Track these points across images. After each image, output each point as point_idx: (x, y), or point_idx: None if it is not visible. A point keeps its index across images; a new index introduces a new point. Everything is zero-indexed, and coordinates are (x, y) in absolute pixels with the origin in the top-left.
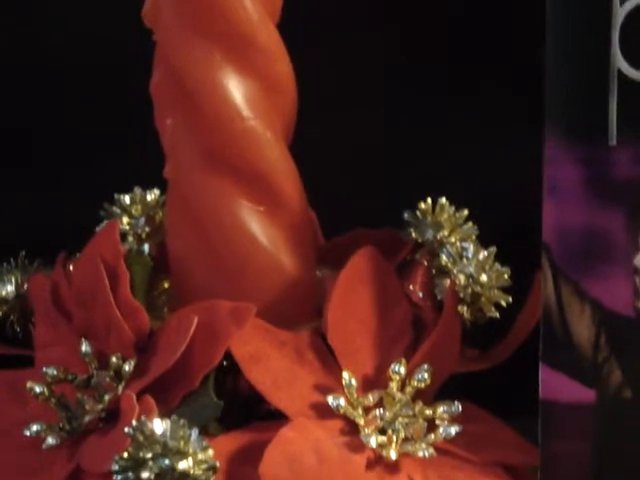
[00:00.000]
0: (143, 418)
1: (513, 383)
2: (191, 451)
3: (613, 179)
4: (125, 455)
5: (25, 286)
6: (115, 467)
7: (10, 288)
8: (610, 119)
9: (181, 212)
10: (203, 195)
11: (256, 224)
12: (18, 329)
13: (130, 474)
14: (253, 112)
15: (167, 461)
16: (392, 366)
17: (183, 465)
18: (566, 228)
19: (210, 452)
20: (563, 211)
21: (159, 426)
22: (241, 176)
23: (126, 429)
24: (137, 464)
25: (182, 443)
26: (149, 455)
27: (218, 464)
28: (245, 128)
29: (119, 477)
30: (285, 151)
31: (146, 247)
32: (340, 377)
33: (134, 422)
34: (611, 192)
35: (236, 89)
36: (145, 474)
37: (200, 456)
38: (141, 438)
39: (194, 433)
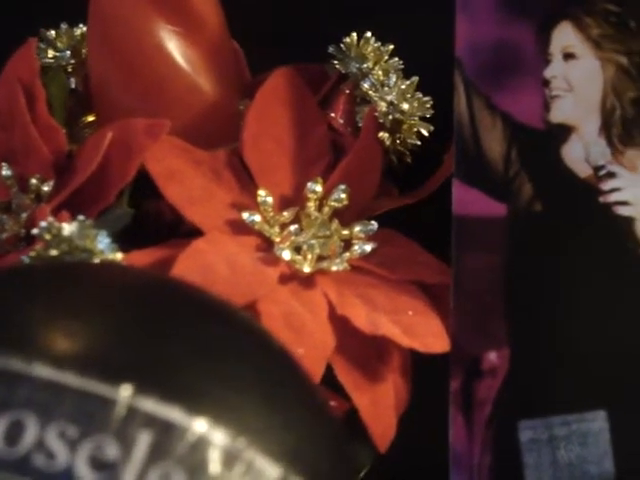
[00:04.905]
0: (51, 219)
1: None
2: (98, 250)
3: None
4: (33, 254)
5: None
6: None
7: None
8: None
9: (101, 34)
10: (121, 15)
11: (174, 45)
12: None
13: None
14: None
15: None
16: (309, 185)
17: None
18: (477, 42)
19: (119, 255)
20: (475, 25)
21: (66, 226)
22: None
23: (34, 230)
24: None
25: (88, 241)
26: (55, 253)
27: None
28: None
29: None
30: None
31: (72, 81)
32: (257, 196)
33: (42, 223)
34: (521, 5)
35: None
36: None
37: (108, 256)
38: (48, 237)
39: (102, 234)
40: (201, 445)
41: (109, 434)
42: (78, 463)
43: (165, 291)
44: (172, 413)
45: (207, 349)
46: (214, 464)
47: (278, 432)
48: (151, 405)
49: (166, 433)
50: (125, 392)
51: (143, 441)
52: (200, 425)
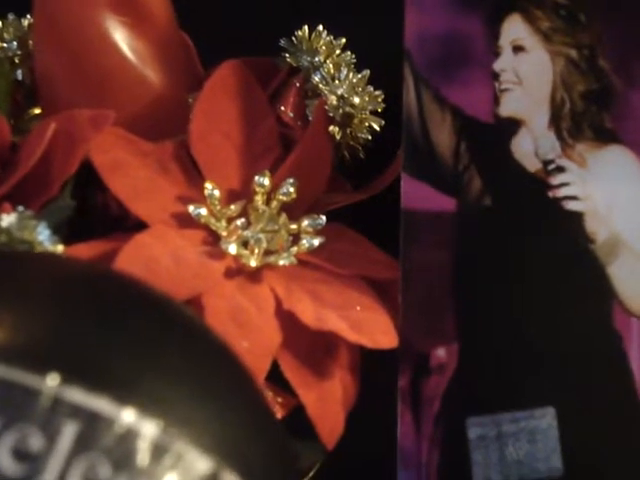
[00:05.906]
0: None
1: None
2: (38, 241)
3: None
4: None
5: None
6: None
7: None
8: None
9: (46, 24)
10: (67, 4)
11: (120, 35)
12: None
13: None
14: None
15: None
16: (256, 178)
17: None
18: (426, 34)
19: (60, 246)
20: (424, 17)
21: (5, 217)
22: None
23: None
24: None
25: (27, 233)
26: None
27: None
28: None
29: None
30: None
31: (19, 73)
32: (204, 189)
33: None
34: None
35: None
36: None
37: (49, 248)
38: None
39: (42, 225)
40: (129, 436)
41: (33, 424)
42: (0, 454)
43: (98, 281)
44: (99, 403)
45: (138, 339)
46: (142, 456)
47: (210, 424)
48: (78, 395)
49: (92, 423)
50: (51, 382)
51: (68, 432)
52: (128, 416)
